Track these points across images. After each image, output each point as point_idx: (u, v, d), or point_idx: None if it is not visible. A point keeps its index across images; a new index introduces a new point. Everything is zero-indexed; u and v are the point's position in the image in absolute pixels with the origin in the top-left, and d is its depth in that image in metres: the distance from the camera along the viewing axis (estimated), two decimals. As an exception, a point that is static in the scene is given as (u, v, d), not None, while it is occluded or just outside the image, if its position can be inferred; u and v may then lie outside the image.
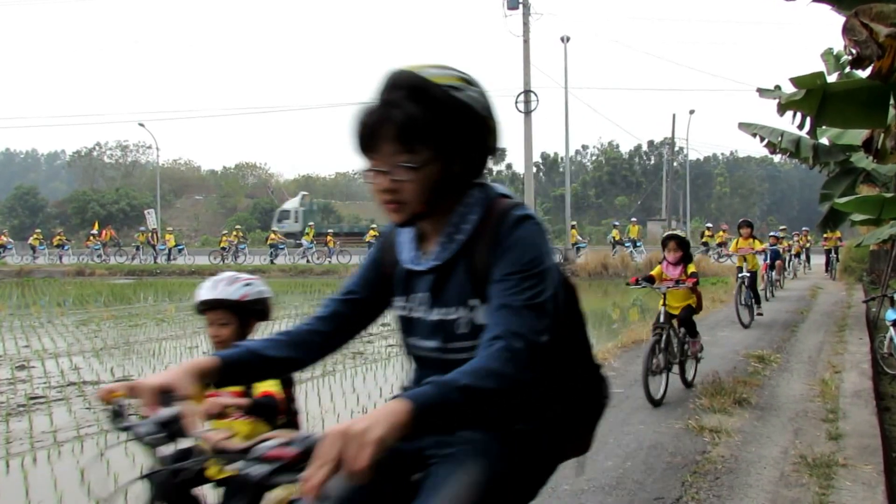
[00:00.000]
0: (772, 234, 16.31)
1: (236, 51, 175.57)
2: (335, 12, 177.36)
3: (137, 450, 5.27)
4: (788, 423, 5.50)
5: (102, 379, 8.02)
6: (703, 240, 30.63)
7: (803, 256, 24.46)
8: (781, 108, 9.68)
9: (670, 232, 6.68)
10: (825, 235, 19.87)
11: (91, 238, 34.85)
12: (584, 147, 78.00)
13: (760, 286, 13.35)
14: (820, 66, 10.82)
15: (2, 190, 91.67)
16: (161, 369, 8.49)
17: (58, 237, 35.44)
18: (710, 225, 30.76)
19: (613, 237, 30.28)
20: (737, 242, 11.69)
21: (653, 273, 6.76)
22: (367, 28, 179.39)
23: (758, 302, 11.38)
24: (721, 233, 29.46)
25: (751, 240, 11.47)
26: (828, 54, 10.82)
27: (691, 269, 6.60)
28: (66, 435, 5.82)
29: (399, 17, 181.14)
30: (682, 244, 6.73)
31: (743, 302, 10.89)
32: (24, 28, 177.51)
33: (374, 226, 35.70)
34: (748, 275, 11.00)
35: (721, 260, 25.79)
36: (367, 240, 32.15)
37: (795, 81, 6.10)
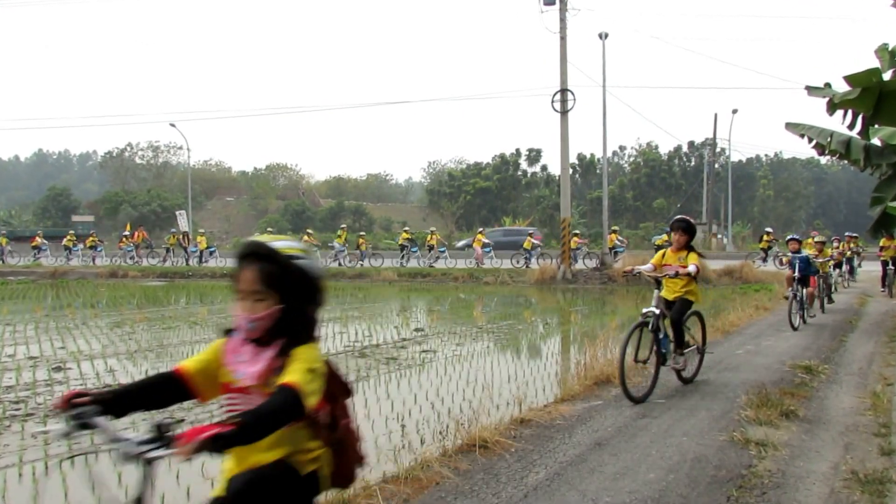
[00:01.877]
0: (790, 237, 12.42)
1: (267, 51, 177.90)
2: (367, 11, 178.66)
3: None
4: (838, 438, 5.30)
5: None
6: (762, 245, 29.00)
7: (845, 267, 20.64)
8: (833, 107, 9.42)
9: (251, 238, 2.40)
10: (882, 244, 17.63)
11: (124, 240, 35.54)
12: (622, 148, 77.03)
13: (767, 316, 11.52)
14: (873, 63, 10.47)
15: (35, 191, 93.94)
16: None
17: (91, 238, 36.09)
18: (769, 230, 29.64)
19: (657, 243, 29.41)
20: (662, 255, 7.08)
21: (186, 367, 2.24)
22: (400, 27, 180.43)
23: (680, 345, 6.89)
24: (766, 236, 28.61)
25: (684, 252, 6.92)
26: (882, 50, 10.46)
27: (298, 364, 2.08)
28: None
29: (433, 13, 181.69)
30: (266, 274, 2.18)
31: (645, 357, 6.73)
32: (56, 29, 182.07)
33: (406, 228, 35.70)
34: (655, 313, 6.58)
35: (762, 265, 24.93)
36: (399, 242, 32.13)
37: (850, 79, 5.89)
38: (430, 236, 31.36)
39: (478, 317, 15.13)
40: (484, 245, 29.42)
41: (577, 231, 30.74)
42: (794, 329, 11.03)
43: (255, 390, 2.14)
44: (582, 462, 4.72)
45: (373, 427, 6.09)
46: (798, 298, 11.45)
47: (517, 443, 5.16)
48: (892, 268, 17.65)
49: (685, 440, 5.21)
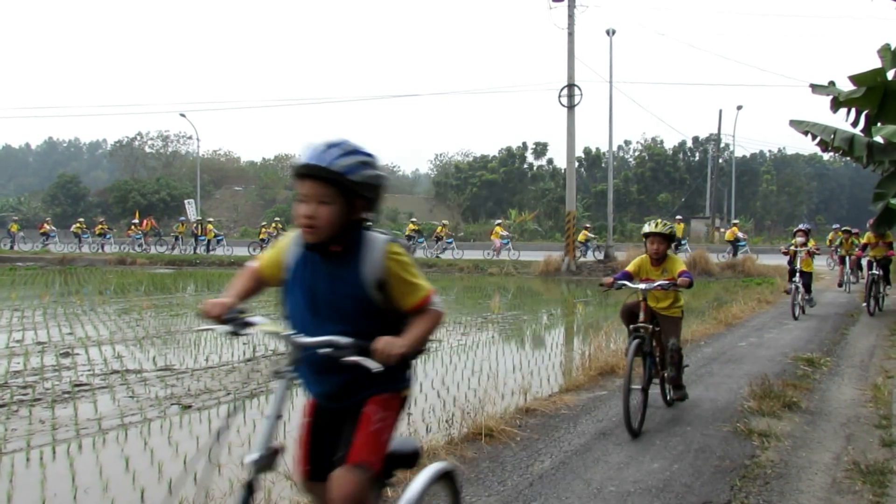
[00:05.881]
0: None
1: (277, 43, 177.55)
2: (376, 4, 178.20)
3: (180, 439, 5.34)
4: (840, 429, 5.34)
5: (145, 367, 8.13)
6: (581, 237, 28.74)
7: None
8: (837, 105, 9.46)
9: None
10: (866, 241, 13.96)
11: (132, 227, 35.60)
12: (627, 142, 76.73)
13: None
14: (875, 63, 10.48)
15: (45, 178, 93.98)
16: (202, 360, 8.62)
17: (100, 226, 36.10)
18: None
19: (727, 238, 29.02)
20: None
21: None
22: (409, 21, 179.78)
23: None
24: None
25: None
26: (885, 50, 10.46)
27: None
28: (110, 423, 5.89)
29: (442, 7, 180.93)
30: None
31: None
32: (68, 17, 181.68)
33: (413, 219, 35.76)
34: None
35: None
36: (406, 233, 32.25)
37: (854, 79, 5.93)
38: (439, 227, 31.59)
39: (483, 307, 15.16)
40: (502, 237, 29.41)
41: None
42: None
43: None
44: (586, 451, 4.76)
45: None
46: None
47: (522, 432, 5.19)
48: (878, 272, 13.13)
49: (689, 430, 5.25)
